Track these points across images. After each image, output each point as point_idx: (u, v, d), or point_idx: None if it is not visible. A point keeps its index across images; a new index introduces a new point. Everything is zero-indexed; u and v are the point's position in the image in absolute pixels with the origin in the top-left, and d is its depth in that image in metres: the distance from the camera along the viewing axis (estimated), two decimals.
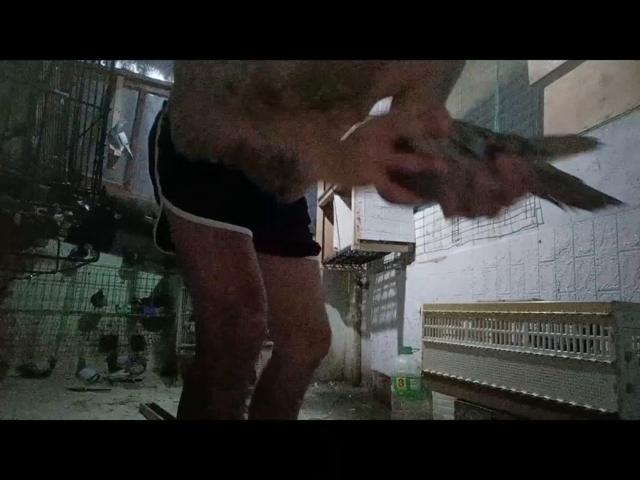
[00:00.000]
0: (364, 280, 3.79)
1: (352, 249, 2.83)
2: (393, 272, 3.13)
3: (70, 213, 2.87)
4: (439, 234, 2.60)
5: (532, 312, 1.37)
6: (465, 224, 2.38)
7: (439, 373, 1.80)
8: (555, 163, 0.53)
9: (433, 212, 2.66)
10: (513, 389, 1.41)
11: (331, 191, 3.35)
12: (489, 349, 1.53)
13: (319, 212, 3.67)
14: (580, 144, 0.57)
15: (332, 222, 3.44)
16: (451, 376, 1.72)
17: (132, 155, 4.35)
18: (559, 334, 1.29)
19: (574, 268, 1.71)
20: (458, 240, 2.43)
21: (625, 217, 1.53)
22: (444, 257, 2.51)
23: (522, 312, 1.41)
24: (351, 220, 2.84)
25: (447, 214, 0.54)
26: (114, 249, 3.79)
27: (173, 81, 0.85)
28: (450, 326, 1.77)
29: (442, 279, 2.51)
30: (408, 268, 2.88)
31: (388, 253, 3.15)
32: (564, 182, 0.52)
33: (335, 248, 3.21)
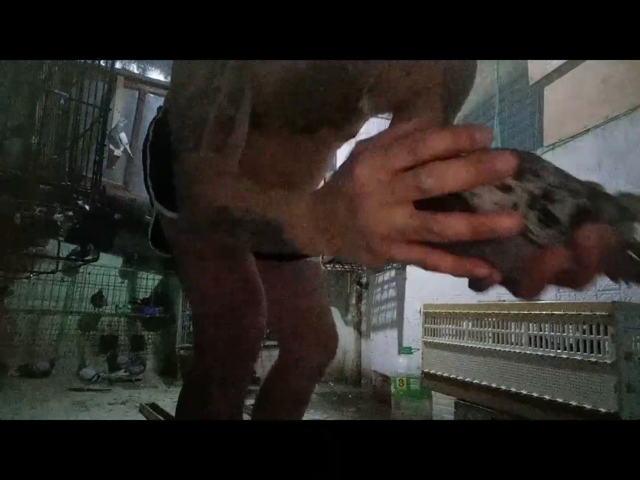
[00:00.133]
0: (364, 280, 3.78)
1: None
2: (393, 272, 3.13)
3: (70, 213, 2.86)
4: None
5: (532, 312, 1.37)
6: None
7: (439, 373, 1.80)
8: None
9: None
10: (513, 389, 1.41)
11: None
12: (489, 349, 1.53)
13: None
14: None
15: None
16: (451, 376, 1.71)
17: (132, 155, 4.34)
18: (559, 334, 1.29)
19: None
20: None
21: None
22: None
23: (522, 312, 1.41)
24: None
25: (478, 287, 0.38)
26: (114, 249, 3.79)
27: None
28: (450, 326, 1.77)
29: (442, 279, 2.50)
30: (408, 268, 2.88)
31: None
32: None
33: None
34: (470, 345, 1.62)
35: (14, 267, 3.27)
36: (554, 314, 1.30)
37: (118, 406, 2.71)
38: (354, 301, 3.90)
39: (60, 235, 2.98)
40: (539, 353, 1.33)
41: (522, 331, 1.41)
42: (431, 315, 1.90)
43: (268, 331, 0.93)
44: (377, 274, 3.41)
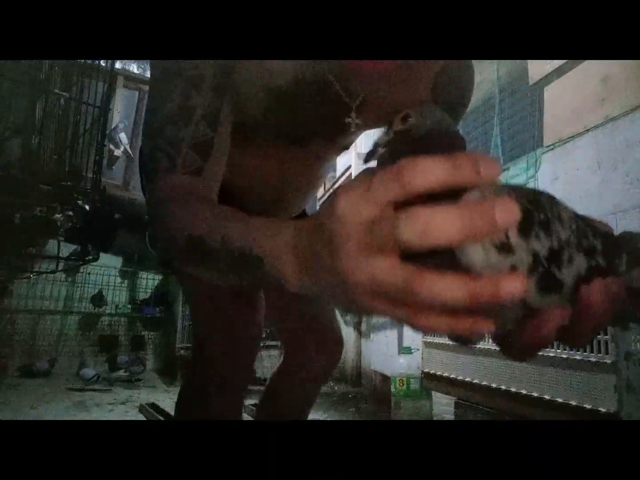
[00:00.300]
0: None
1: None
2: None
3: (70, 213, 2.87)
4: None
5: None
6: None
7: (439, 373, 1.80)
8: None
9: None
10: (513, 389, 1.41)
11: (331, 191, 3.35)
12: (489, 349, 1.53)
13: None
14: None
15: None
16: (451, 376, 1.71)
17: (132, 155, 4.35)
18: None
19: None
20: None
21: (625, 217, 1.53)
22: None
23: None
24: None
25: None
26: (114, 249, 3.79)
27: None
28: None
29: None
30: None
31: None
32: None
33: None
34: None
35: (14, 267, 3.28)
36: None
37: (118, 406, 2.71)
38: None
39: (60, 235, 2.98)
40: (539, 353, 1.33)
41: None
42: None
43: (268, 331, 0.93)
44: None
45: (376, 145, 0.43)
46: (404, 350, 2.47)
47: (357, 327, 3.83)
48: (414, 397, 2.31)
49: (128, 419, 2.42)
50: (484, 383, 1.54)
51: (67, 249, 3.32)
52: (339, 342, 1.04)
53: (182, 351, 3.56)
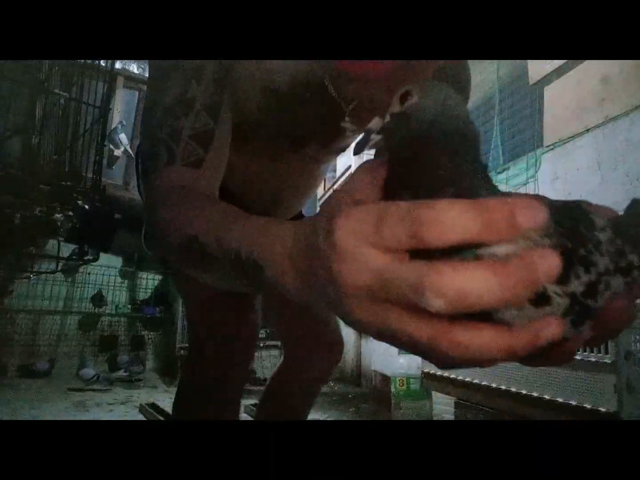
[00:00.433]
0: None
1: None
2: None
3: (70, 213, 2.87)
4: None
5: None
6: None
7: (439, 373, 1.80)
8: None
9: None
10: (513, 389, 1.41)
11: (331, 191, 3.35)
12: None
13: None
14: None
15: None
16: (451, 376, 1.71)
17: (132, 155, 4.35)
18: None
19: None
20: None
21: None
22: None
23: None
24: None
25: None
26: (114, 249, 3.79)
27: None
28: None
29: None
30: None
31: None
32: None
33: None
34: None
35: (14, 267, 3.28)
36: None
37: (118, 406, 2.71)
38: None
39: (60, 235, 2.98)
40: None
41: None
42: None
43: (268, 331, 0.93)
44: None
45: (369, 131, 0.34)
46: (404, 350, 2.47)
47: None
48: (414, 397, 2.32)
49: (128, 419, 2.42)
50: (484, 383, 1.54)
51: (67, 249, 3.33)
52: (339, 342, 1.03)
53: (182, 351, 3.56)
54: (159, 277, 4.12)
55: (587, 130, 1.78)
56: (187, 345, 3.54)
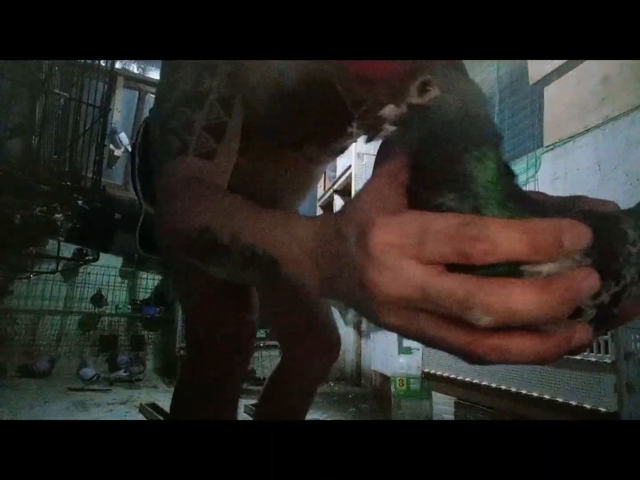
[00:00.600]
0: None
1: None
2: None
3: (70, 213, 2.87)
4: None
5: None
6: None
7: (439, 373, 1.80)
8: None
9: None
10: (513, 389, 1.41)
11: (331, 191, 3.35)
12: None
13: (319, 213, 3.67)
14: None
15: None
16: (451, 376, 1.71)
17: None
18: None
19: None
20: None
21: None
22: None
23: None
24: None
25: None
26: (114, 249, 3.79)
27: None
28: None
29: None
30: None
31: None
32: None
33: None
34: None
35: (14, 267, 3.28)
36: None
37: (118, 406, 2.71)
38: None
39: (60, 235, 2.98)
40: None
41: None
42: None
43: (267, 331, 0.93)
44: None
45: (381, 120, 0.31)
46: (404, 350, 2.47)
47: (357, 327, 3.84)
48: (414, 397, 2.31)
49: (128, 419, 2.42)
50: (484, 383, 1.54)
51: (67, 249, 3.33)
52: (336, 342, 1.04)
53: (182, 351, 3.55)
54: (159, 277, 4.12)
55: (587, 130, 1.78)
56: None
